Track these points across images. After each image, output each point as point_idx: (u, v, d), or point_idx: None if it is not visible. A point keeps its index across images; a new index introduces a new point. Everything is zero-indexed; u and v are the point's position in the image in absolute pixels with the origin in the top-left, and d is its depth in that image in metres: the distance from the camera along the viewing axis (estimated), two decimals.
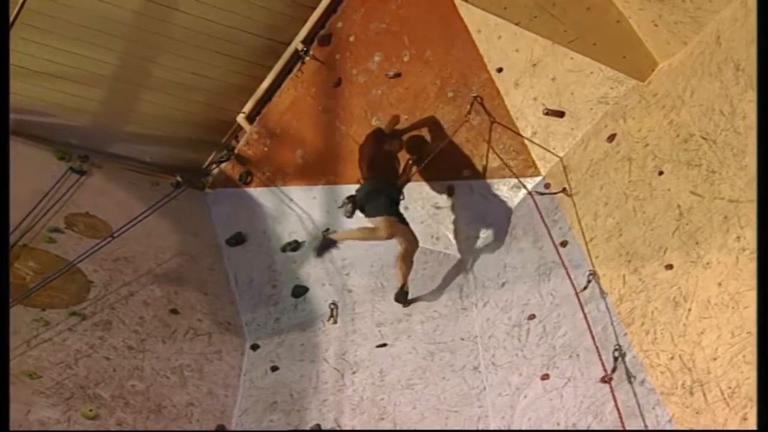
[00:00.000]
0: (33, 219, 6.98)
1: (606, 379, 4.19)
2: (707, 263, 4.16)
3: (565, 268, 4.93)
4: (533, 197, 5.63)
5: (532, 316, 5.12)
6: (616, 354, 4.26)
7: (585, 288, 4.81)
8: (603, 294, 4.69)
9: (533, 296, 5.23)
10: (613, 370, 4.24)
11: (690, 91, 4.82)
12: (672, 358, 4.00)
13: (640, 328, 4.31)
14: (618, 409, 3.93)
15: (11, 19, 6.60)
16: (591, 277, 4.83)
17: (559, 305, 4.97)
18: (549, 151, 5.85)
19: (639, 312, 4.39)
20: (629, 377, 4.13)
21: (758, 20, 3.88)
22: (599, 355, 4.30)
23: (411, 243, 6.21)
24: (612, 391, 4.09)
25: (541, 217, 5.38)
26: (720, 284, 3.99)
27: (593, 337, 4.38)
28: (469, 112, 6.24)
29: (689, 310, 4.09)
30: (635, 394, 4.02)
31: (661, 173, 4.80)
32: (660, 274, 4.42)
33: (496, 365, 5.10)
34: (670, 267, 4.39)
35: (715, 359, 3.76)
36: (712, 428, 3.56)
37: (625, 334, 4.36)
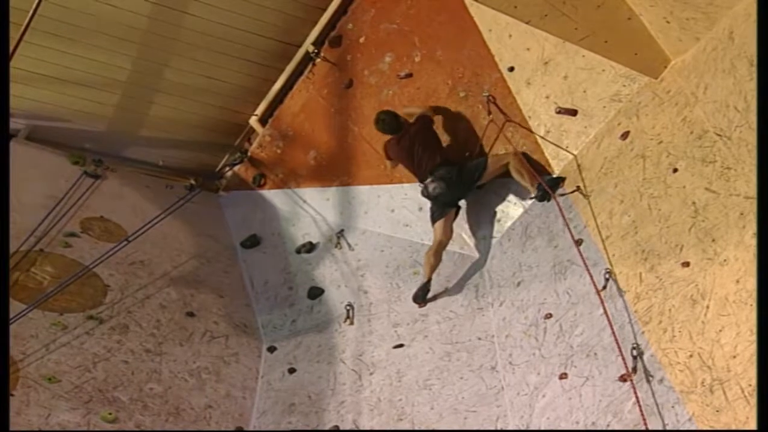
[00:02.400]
0: (49, 224, 7.04)
1: (625, 378, 4.18)
2: (724, 260, 4.15)
3: (586, 266, 4.91)
4: (555, 197, 5.60)
5: (548, 315, 5.12)
6: (635, 353, 4.25)
7: (604, 287, 4.80)
8: (621, 292, 4.69)
9: (549, 295, 5.22)
10: (633, 368, 4.24)
11: (703, 87, 4.81)
12: (691, 356, 3.99)
13: (658, 326, 4.30)
14: (640, 407, 3.91)
15: (23, 25, 6.65)
16: (608, 276, 4.82)
17: (575, 304, 4.96)
18: (563, 149, 5.85)
19: (656, 310, 4.38)
20: (648, 376, 4.12)
21: (758, 21, 3.88)
22: (620, 353, 4.29)
23: (447, 236, 6.18)
24: (634, 388, 4.08)
25: (562, 214, 5.36)
26: (738, 281, 3.98)
27: (614, 335, 4.36)
28: (489, 113, 6.25)
29: (707, 307, 4.08)
30: (654, 393, 4.02)
31: (675, 170, 4.79)
32: (677, 272, 4.41)
33: (514, 365, 5.09)
34: (686, 264, 4.38)
35: (734, 357, 3.75)
36: (733, 428, 3.55)
37: (643, 333, 4.35)
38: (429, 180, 6.20)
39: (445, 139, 6.62)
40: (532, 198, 5.87)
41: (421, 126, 6.48)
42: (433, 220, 6.27)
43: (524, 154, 6.05)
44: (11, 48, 6.62)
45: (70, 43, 7.45)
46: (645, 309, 4.46)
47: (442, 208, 6.25)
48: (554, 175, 5.87)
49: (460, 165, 6.27)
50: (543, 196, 5.72)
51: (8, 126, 6.27)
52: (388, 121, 6.57)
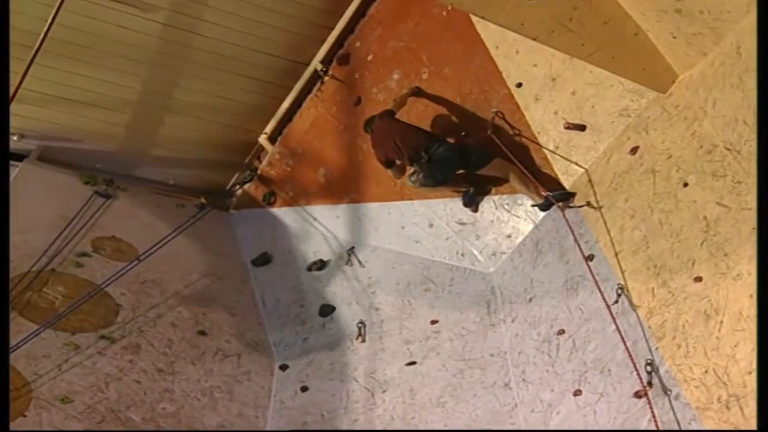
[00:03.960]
0: (61, 243, 7.07)
1: (641, 394, 4.18)
2: (737, 275, 4.15)
3: (596, 282, 4.92)
4: (563, 211, 5.62)
5: (561, 331, 5.12)
6: (649, 368, 4.25)
7: (615, 302, 4.80)
8: (634, 307, 4.69)
9: (562, 311, 5.22)
10: (649, 384, 4.23)
11: (712, 102, 4.82)
12: (706, 372, 3.99)
13: (672, 342, 4.30)
14: (656, 423, 3.91)
15: (36, 46, 6.73)
16: (620, 291, 4.82)
17: (588, 320, 4.96)
18: (573, 162, 5.86)
19: (670, 325, 4.38)
20: (663, 392, 4.11)
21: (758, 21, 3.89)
22: (635, 368, 4.28)
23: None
24: (650, 404, 4.07)
25: (571, 230, 5.37)
26: (752, 296, 3.97)
27: (628, 351, 4.36)
28: (491, 128, 6.26)
29: (721, 322, 4.07)
30: (669, 410, 4.01)
31: (686, 185, 4.79)
32: (689, 287, 4.41)
33: (527, 381, 5.09)
34: (699, 279, 4.38)
35: (750, 372, 3.74)
36: None
37: (657, 348, 4.35)
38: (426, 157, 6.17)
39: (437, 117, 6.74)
40: (534, 206, 5.92)
41: (385, 119, 6.61)
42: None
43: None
44: (24, 70, 6.74)
45: (80, 64, 7.53)
46: (658, 324, 4.46)
47: (434, 182, 6.30)
48: (563, 191, 5.89)
49: (460, 144, 6.34)
50: (546, 206, 5.82)
51: (8, 125, 6.36)
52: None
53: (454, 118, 6.71)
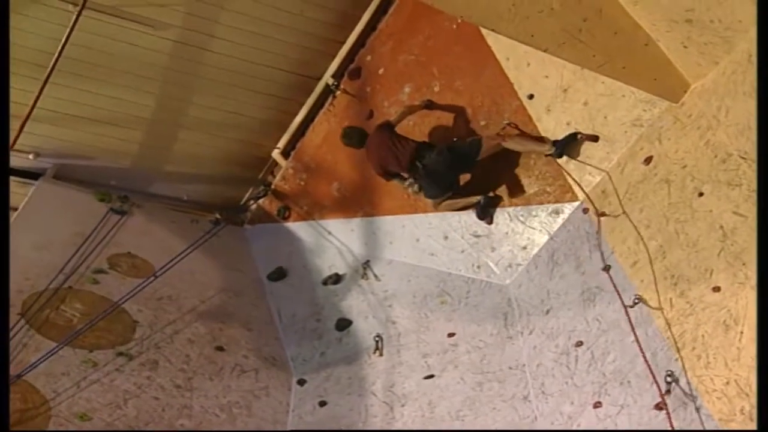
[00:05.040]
0: (77, 261, 7.12)
1: (662, 406, 4.17)
2: (756, 284, 4.14)
3: (617, 291, 4.91)
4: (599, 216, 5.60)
5: (579, 343, 5.11)
6: (669, 379, 4.24)
7: (631, 306, 4.79)
8: (651, 318, 4.67)
9: (579, 322, 5.21)
10: (667, 392, 4.21)
11: (725, 110, 4.82)
12: (727, 383, 3.97)
13: (692, 353, 4.28)
14: None
15: (50, 65, 6.82)
16: (637, 301, 4.82)
17: (606, 331, 4.95)
18: (587, 173, 5.86)
19: (689, 336, 4.37)
20: (685, 403, 4.11)
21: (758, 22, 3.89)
22: (654, 380, 4.28)
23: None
24: (669, 415, 4.06)
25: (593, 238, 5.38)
26: None
27: (647, 362, 4.36)
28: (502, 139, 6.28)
29: (741, 332, 4.06)
30: (692, 422, 4.00)
31: (701, 194, 4.78)
32: (708, 297, 4.40)
33: (546, 394, 5.08)
34: (717, 289, 4.37)
35: None
36: None
37: (677, 360, 4.34)
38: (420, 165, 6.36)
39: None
40: (549, 155, 5.99)
41: (378, 132, 6.73)
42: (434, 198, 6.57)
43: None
44: (38, 89, 6.82)
45: (94, 82, 7.63)
46: (677, 335, 4.44)
47: (438, 192, 6.45)
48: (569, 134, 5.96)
49: (449, 146, 6.40)
50: (559, 152, 5.91)
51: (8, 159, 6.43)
52: (349, 134, 7.05)
53: (467, 129, 6.73)
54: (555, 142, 5.94)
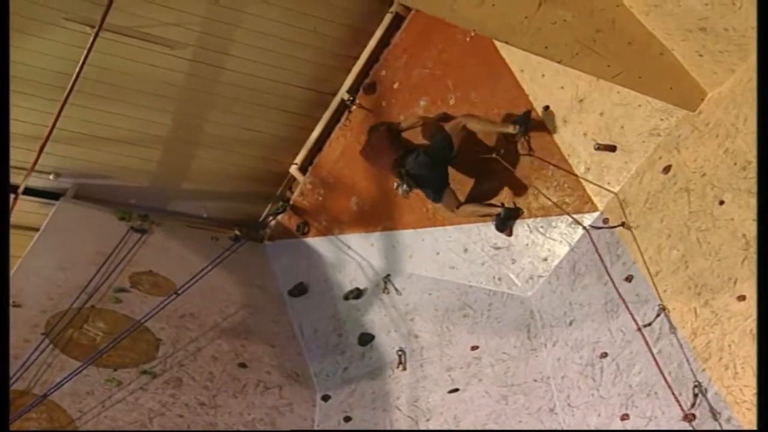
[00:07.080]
0: (99, 280, 7.18)
1: (691, 417, 4.16)
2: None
3: (625, 304, 4.92)
4: (590, 234, 5.63)
5: (604, 354, 5.10)
6: (696, 391, 4.24)
7: (650, 324, 4.79)
8: (674, 328, 4.67)
9: (603, 333, 5.21)
10: (693, 405, 4.21)
11: (743, 118, 4.81)
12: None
13: (719, 363, 4.28)
14: None
15: (68, 86, 6.90)
16: (661, 311, 4.82)
17: (630, 342, 4.95)
18: (605, 183, 5.88)
19: (715, 346, 4.36)
20: (714, 415, 4.10)
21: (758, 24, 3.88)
22: (673, 394, 4.28)
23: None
24: (691, 426, 4.06)
25: (598, 254, 5.37)
26: None
27: (663, 375, 4.36)
28: (530, 149, 6.32)
29: None
30: None
31: (722, 203, 4.77)
32: (733, 306, 4.39)
33: (573, 406, 5.08)
34: (742, 298, 4.36)
35: None
36: None
37: (704, 370, 4.33)
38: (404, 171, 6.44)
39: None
40: (514, 135, 6.17)
41: (376, 134, 6.90)
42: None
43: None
44: (57, 110, 6.89)
45: (112, 102, 7.73)
46: (703, 345, 4.44)
47: (436, 194, 6.53)
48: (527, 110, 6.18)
49: (424, 148, 6.51)
50: (526, 129, 6.12)
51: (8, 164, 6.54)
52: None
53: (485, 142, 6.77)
54: (514, 121, 6.16)
